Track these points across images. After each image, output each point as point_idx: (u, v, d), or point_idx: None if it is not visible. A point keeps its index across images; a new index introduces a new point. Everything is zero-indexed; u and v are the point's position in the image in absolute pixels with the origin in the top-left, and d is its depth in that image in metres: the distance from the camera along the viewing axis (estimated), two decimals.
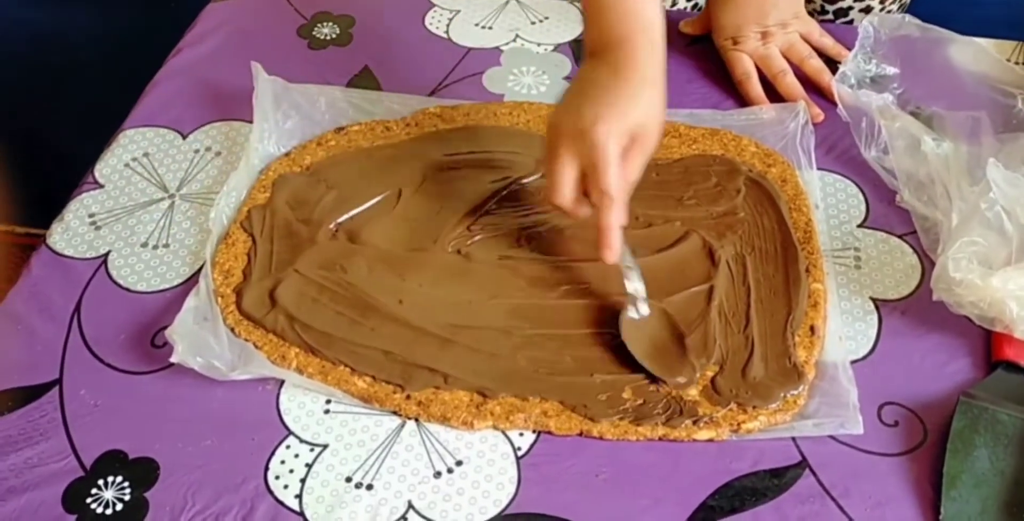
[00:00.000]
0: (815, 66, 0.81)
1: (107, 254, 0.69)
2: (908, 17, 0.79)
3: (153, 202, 0.72)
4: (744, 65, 0.81)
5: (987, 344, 0.63)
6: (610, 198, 0.60)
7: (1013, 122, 0.74)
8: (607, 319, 0.64)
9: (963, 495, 0.55)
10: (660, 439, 0.59)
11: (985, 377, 0.61)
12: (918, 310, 0.65)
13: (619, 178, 0.60)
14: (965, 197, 0.66)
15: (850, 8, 0.94)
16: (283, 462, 0.57)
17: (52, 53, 1.11)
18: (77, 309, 0.65)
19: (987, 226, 0.63)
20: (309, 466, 0.57)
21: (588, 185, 0.62)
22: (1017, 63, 0.83)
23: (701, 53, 0.85)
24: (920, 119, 0.74)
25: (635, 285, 0.63)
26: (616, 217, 0.61)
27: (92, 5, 1.08)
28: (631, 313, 0.63)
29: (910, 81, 0.78)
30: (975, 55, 0.79)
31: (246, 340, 0.62)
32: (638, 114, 0.61)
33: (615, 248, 0.61)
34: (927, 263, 0.68)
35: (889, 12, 0.96)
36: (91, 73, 1.03)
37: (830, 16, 0.95)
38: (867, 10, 0.94)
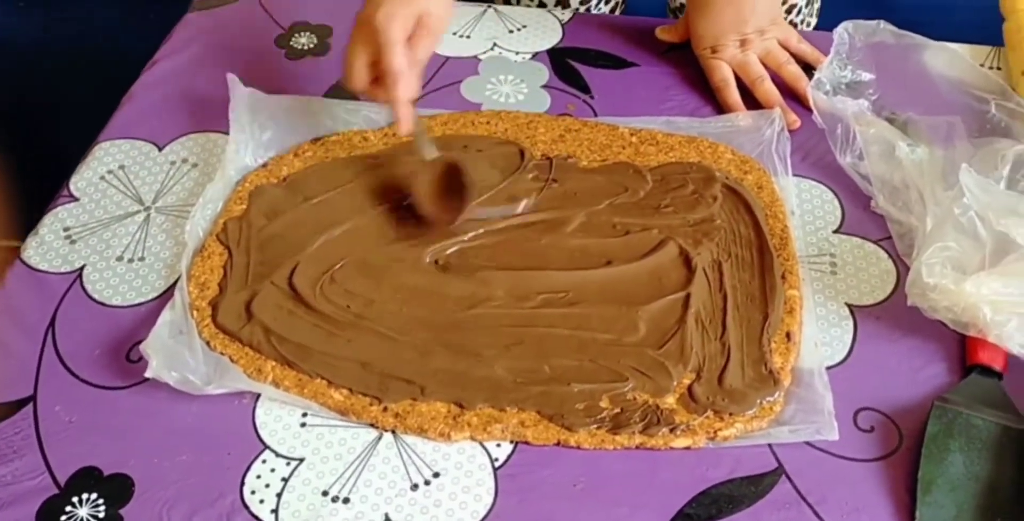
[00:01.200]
0: (792, 72, 0.82)
1: (82, 268, 0.68)
2: (883, 23, 0.79)
3: (129, 215, 0.72)
4: (722, 72, 0.82)
5: (962, 349, 0.63)
6: (394, 74, 0.66)
7: (987, 127, 0.75)
8: (583, 328, 0.64)
9: (938, 500, 0.55)
10: (637, 448, 0.59)
11: (960, 381, 0.61)
12: (893, 315, 0.65)
13: (401, 56, 0.66)
14: (939, 202, 0.66)
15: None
16: (259, 476, 0.57)
17: (28, 64, 1.11)
18: (52, 324, 0.65)
19: (961, 231, 0.63)
20: (285, 480, 0.57)
21: (379, 68, 0.67)
22: (991, 68, 0.84)
23: (678, 60, 0.85)
24: (895, 125, 0.74)
25: (422, 141, 0.70)
26: (403, 91, 0.67)
27: (68, 16, 1.08)
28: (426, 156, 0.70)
29: (885, 87, 0.79)
30: (949, 61, 0.79)
31: (222, 354, 0.62)
32: (421, 1, 0.67)
33: (406, 120, 0.69)
34: (902, 268, 0.68)
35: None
36: (68, 84, 1.02)
37: None
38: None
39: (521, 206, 0.71)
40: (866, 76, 0.79)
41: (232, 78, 0.76)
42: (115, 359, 0.63)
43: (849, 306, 0.66)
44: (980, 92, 0.76)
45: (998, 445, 0.57)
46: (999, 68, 0.84)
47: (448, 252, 0.68)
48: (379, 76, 0.68)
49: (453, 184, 0.70)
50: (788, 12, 0.99)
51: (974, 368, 0.61)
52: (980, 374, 0.61)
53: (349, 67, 0.68)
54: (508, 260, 0.68)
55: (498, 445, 0.59)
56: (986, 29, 0.87)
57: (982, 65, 0.84)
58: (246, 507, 0.56)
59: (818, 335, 0.64)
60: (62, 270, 0.68)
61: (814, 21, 1.05)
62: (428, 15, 0.67)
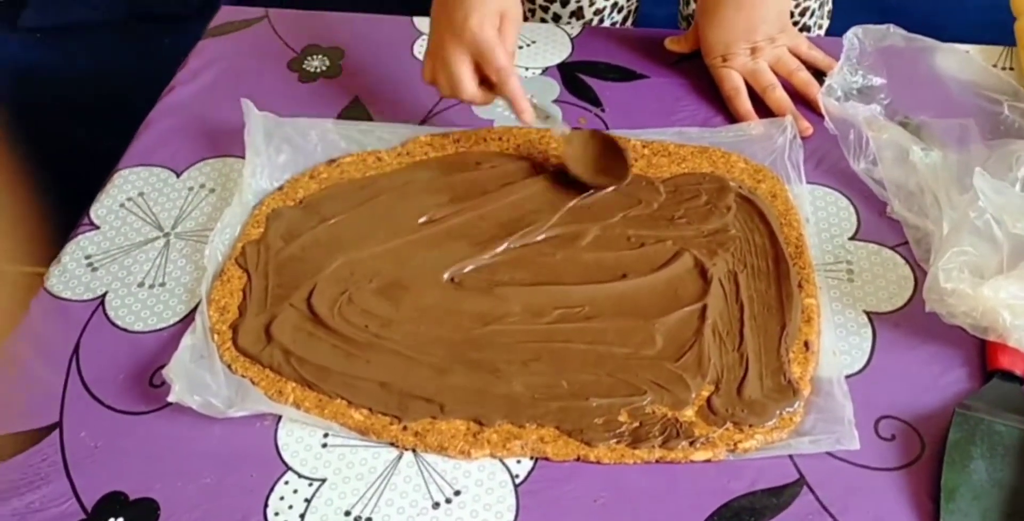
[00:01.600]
0: (803, 79, 0.82)
1: (104, 295, 0.69)
2: (892, 27, 0.79)
3: (148, 241, 0.73)
4: (733, 81, 0.82)
5: (982, 354, 0.63)
6: (505, 72, 0.71)
7: (1000, 128, 0.74)
8: (600, 343, 0.64)
9: (962, 508, 0.55)
10: (657, 461, 0.59)
11: (981, 387, 0.61)
12: (912, 322, 0.65)
13: (504, 55, 0.71)
14: (955, 206, 0.66)
15: None
16: (282, 498, 0.58)
17: (48, 95, 1.13)
18: (76, 351, 0.66)
19: (977, 235, 0.63)
20: (308, 501, 0.57)
21: (484, 70, 0.72)
22: (1003, 69, 0.84)
23: (688, 71, 0.86)
24: (908, 129, 0.74)
25: (551, 112, 0.77)
26: (516, 84, 0.72)
27: (86, 46, 1.10)
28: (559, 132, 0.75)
29: (897, 91, 0.78)
30: (960, 63, 0.79)
31: (243, 376, 0.63)
32: None
33: (528, 109, 0.73)
34: (920, 274, 0.68)
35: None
36: (87, 113, 1.04)
37: None
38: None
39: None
40: (877, 81, 0.79)
41: (246, 102, 0.77)
42: (138, 384, 0.64)
43: (867, 313, 0.66)
44: (992, 93, 0.75)
45: (1021, 451, 0.57)
46: (1011, 68, 0.84)
47: (465, 270, 0.69)
48: (481, 78, 0.73)
49: (604, 151, 0.75)
50: (802, 15, 0.99)
51: (995, 373, 0.61)
52: (1001, 379, 0.60)
53: (457, 79, 0.72)
54: (523, 276, 0.68)
55: (518, 462, 0.59)
56: (997, 29, 0.86)
57: (994, 66, 0.84)
58: None
59: (836, 344, 0.64)
60: (85, 297, 0.69)
61: (826, 23, 1.04)
62: (507, 9, 0.72)
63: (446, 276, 0.68)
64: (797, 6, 0.96)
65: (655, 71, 0.86)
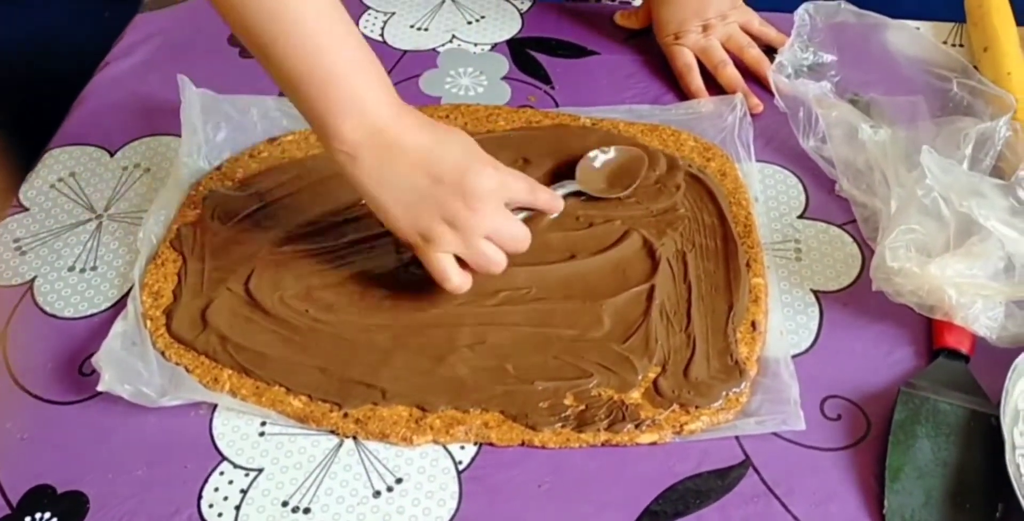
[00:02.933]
0: (754, 56, 0.81)
1: (33, 280, 0.67)
2: (844, 4, 0.78)
3: (80, 223, 0.70)
4: (685, 57, 0.80)
5: (928, 332, 0.62)
6: (550, 200, 0.66)
7: (949, 105, 0.74)
8: (546, 325, 0.63)
9: (906, 487, 0.55)
10: (603, 445, 0.58)
11: (926, 366, 0.61)
12: (859, 301, 0.65)
13: (532, 182, 0.64)
14: (903, 183, 0.65)
15: None
16: (217, 489, 0.56)
17: None
18: (2, 338, 0.63)
19: (924, 213, 0.62)
20: (244, 492, 0.56)
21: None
22: (954, 45, 0.83)
23: (639, 47, 0.84)
24: (858, 106, 0.73)
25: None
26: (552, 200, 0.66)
27: (14, 15, 1.05)
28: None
29: (847, 68, 0.78)
30: (911, 39, 0.78)
31: (177, 364, 0.61)
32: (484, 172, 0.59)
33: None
34: (867, 252, 0.67)
35: None
36: (16, 88, 1.00)
37: None
38: None
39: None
40: (828, 58, 0.78)
41: (183, 79, 0.74)
42: (68, 373, 0.61)
43: (815, 292, 0.66)
44: (942, 70, 0.75)
45: (966, 430, 0.57)
46: (961, 45, 0.83)
47: (406, 251, 0.67)
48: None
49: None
50: None
51: (941, 352, 0.61)
52: (947, 357, 0.60)
53: (489, 259, 0.60)
54: None
55: (462, 448, 0.58)
56: (948, 5, 0.86)
57: (945, 42, 0.83)
58: None
59: (784, 323, 0.64)
60: (13, 282, 0.67)
61: None
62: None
63: (392, 260, 0.66)
64: None
65: (606, 47, 0.85)
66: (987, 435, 0.56)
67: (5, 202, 0.73)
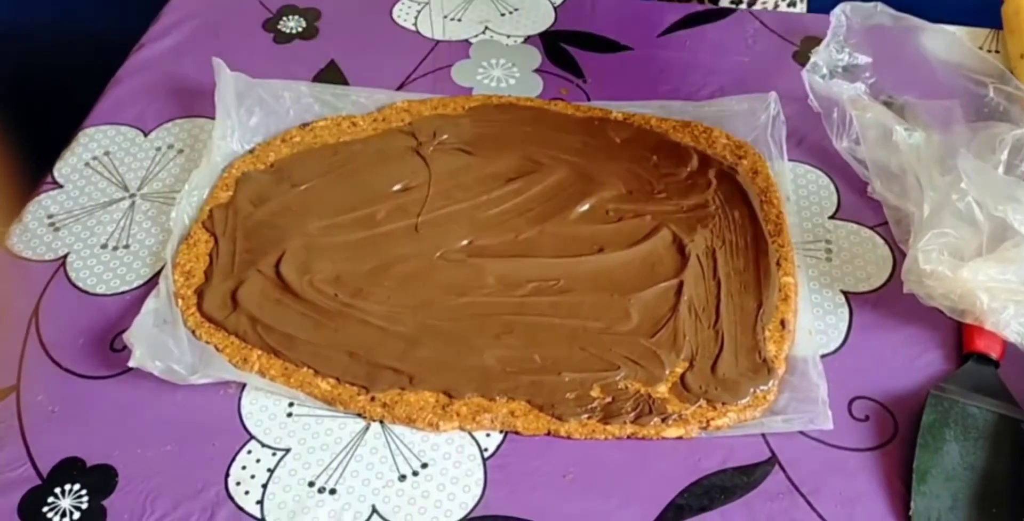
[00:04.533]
0: None
1: (66, 256, 0.67)
2: (880, 6, 0.78)
3: (113, 202, 0.71)
4: None
5: (958, 336, 0.62)
6: None
7: (984, 111, 0.73)
8: (574, 317, 0.63)
9: (933, 490, 0.55)
10: (629, 437, 0.58)
11: (956, 370, 0.60)
12: (889, 303, 0.64)
13: None
14: (936, 187, 0.65)
15: None
16: (244, 467, 0.56)
17: (9, 49, 1.09)
18: (35, 313, 0.64)
19: (958, 217, 0.62)
20: (271, 471, 0.56)
21: None
22: (989, 51, 0.83)
23: (672, 43, 0.84)
24: (892, 108, 0.73)
25: None
26: None
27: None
28: None
29: (882, 70, 0.77)
30: (947, 44, 0.78)
31: (207, 343, 0.61)
32: None
33: None
34: (898, 255, 0.67)
35: None
36: (53, 69, 1.01)
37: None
38: None
39: None
40: (863, 59, 0.78)
41: (218, 62, 0.74)
42: (99, 348, 0.62)
43: (844, 293, 0.65)
44: (978, 75, 0.75)
45: (994, 434, 0.57)
46: (997, 51, 0.83)
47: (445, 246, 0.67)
48: None
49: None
50: None
51: (971, 356, 0.60)
52: (977, 362, 0.60)
53: None
54: (499, 247, 0.67)
55: (487, 435, 0.58)
56: (985, 11, 0.86)
57: (980, 48, 0.83)
58: (231, 498, 0.55)
59: (813, 323, 0.63)
60: (46, 258, 0.67)
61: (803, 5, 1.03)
62: None
63: (424, 246, 0.67)
64: None
65: (639, 43, 0.84)
66: (1015, 440, 0.56)
67: (38, 180, 0.73)
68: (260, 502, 0.55)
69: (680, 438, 0.58)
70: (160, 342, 0.59)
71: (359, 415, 0.59)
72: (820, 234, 0.69)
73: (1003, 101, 0.73)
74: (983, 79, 0.74)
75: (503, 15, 0.87)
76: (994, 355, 0.60)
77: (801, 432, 0.58)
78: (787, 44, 0.83)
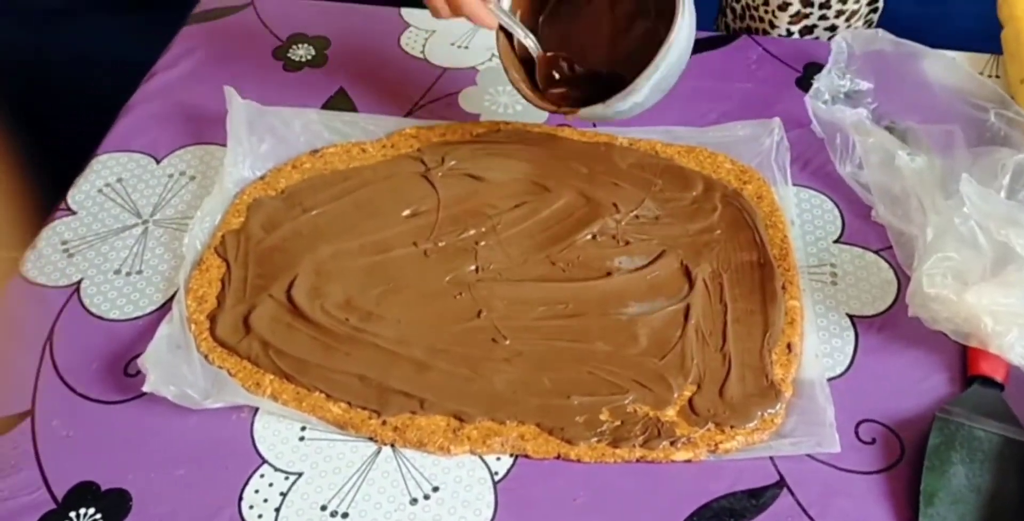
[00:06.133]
0: None
1: (80, 282, 0.68)
2: (881, 32, 0.79)
3: (126, 228, 0.72)
4: None
5: (963, 360, 0.63)
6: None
7: (986, 135, 0.74)
8: (582, 340, 0.63)
9: (940, 512, 0.55)
10: (638, 461, 0.58)
11: (961, 393, 0.61)
12: (894, 326, 0.65)
13: None
14: (940, 211, 0.66)
15: (814, 26, 0.94)
16: (257, 491, 0.57)
17: (26, 77, 1.11)
18: (50, 338, 0.64)
19: (961, 241, 0.63)
20: (284, 495, 0.57)
21: None
22: (990, 76, 0.84)
23: None
24: (894, 134, 0.74)
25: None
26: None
27: (66, 29, 1.08)
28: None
29: (884, 96, 0.78)
30: (948, 69, 0.79)
31: (220, 367, 0.62)
32: None
33: (488, 17, 0.70)
34: (903, 278, 0.68)
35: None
36: (66, 97, 1.02)
37: (796, 36, 0.95)
38: (832, 29, 0.94)
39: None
40: (865, 85, 0.79)
41: (229, 90, 0.76)
42: (113, 373, 0.62)
43: (850, 317, 0.66)
44: (979, 101, 0.76)
45: (1000, 457, 0.57)
46: (998, 76, 0.84)
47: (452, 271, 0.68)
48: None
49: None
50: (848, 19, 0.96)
51: (975, 379, 0.61)
52: (982, 385, 0.61)
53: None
54: (508, 272, 0.68)
55: (498, 459, 0.59)
56: (985, 36, 0.87)
57: (981, 73, 0.84)
58: None
59: (819, 346, 0.64)
60: (60, 284, 0.68)
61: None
62: None
63: (434, 270, 0.67)
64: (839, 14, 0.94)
65: None
66: (1021, 462, 0.57)
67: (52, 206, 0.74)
68: None
69: (689, 461, 0.58)
70: (174, 367, 0.60)
71: (371, 439, 0.59)
72: (825, 258, 0.70)
73: (1004, 126, 0.74)
74: (984, 104, 0.75)
75: None
76: (999, 378, 0.61)
77: (809, 455, 0.58)
78: (790, 70, 0.84)
